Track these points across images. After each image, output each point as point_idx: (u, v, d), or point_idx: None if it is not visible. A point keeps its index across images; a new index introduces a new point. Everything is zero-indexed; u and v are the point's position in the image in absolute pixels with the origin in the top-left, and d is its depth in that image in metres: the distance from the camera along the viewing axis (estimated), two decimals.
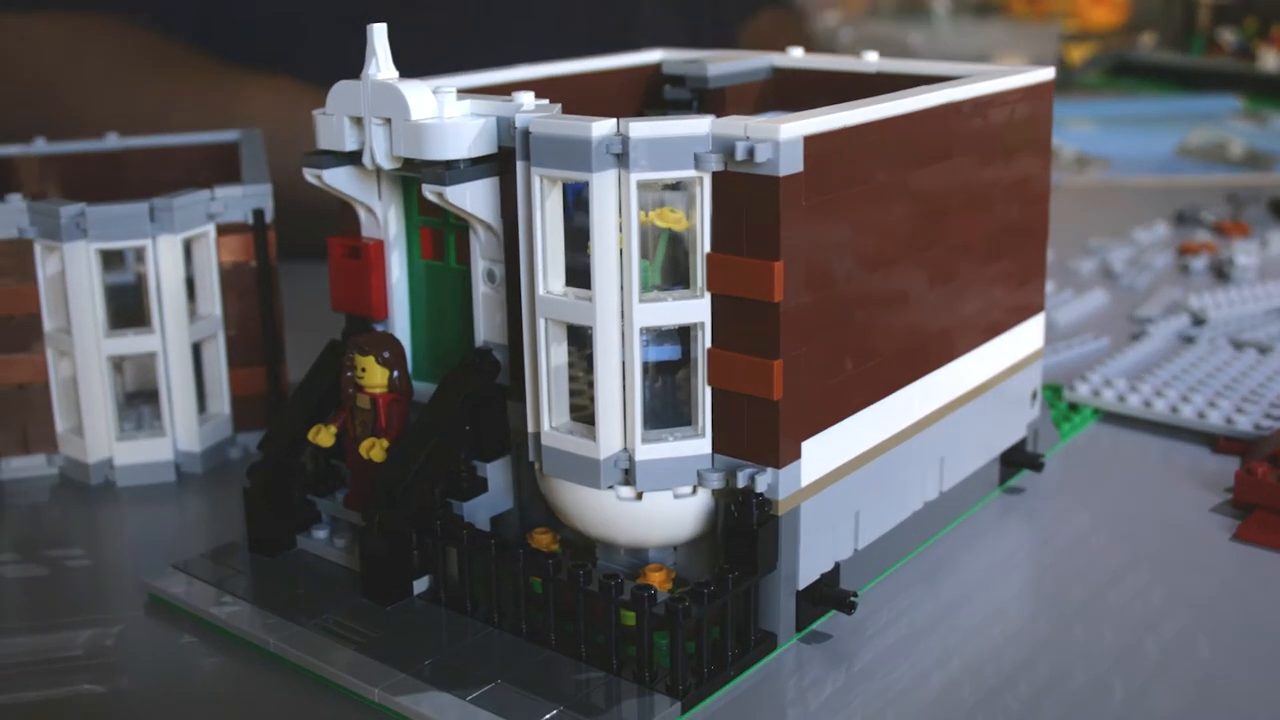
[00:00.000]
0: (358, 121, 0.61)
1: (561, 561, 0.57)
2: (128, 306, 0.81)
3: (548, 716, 0.52)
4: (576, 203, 0.58)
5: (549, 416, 0.58)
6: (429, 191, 0.59)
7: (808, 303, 0.56)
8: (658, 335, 0.57)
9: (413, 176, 0.62)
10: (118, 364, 0.80)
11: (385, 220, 0.65)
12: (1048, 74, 0.70)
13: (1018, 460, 0.74)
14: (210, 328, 0.79)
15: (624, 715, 0.53)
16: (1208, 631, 0.60)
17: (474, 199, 0.59)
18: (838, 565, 0.61)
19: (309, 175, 0.63)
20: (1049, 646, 0.59)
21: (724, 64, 0.76)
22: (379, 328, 0.66)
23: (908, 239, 0.61)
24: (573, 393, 0.59)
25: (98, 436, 0.77)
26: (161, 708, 0.56)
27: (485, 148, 0.59)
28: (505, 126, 0.59)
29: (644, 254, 0.56)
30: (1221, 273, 1.16)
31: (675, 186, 0.56)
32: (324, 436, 0.65)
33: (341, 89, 0.61)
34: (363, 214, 0.65)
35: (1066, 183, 1.54)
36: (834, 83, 0.75)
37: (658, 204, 0.57)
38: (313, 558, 0.66)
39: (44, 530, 0.73)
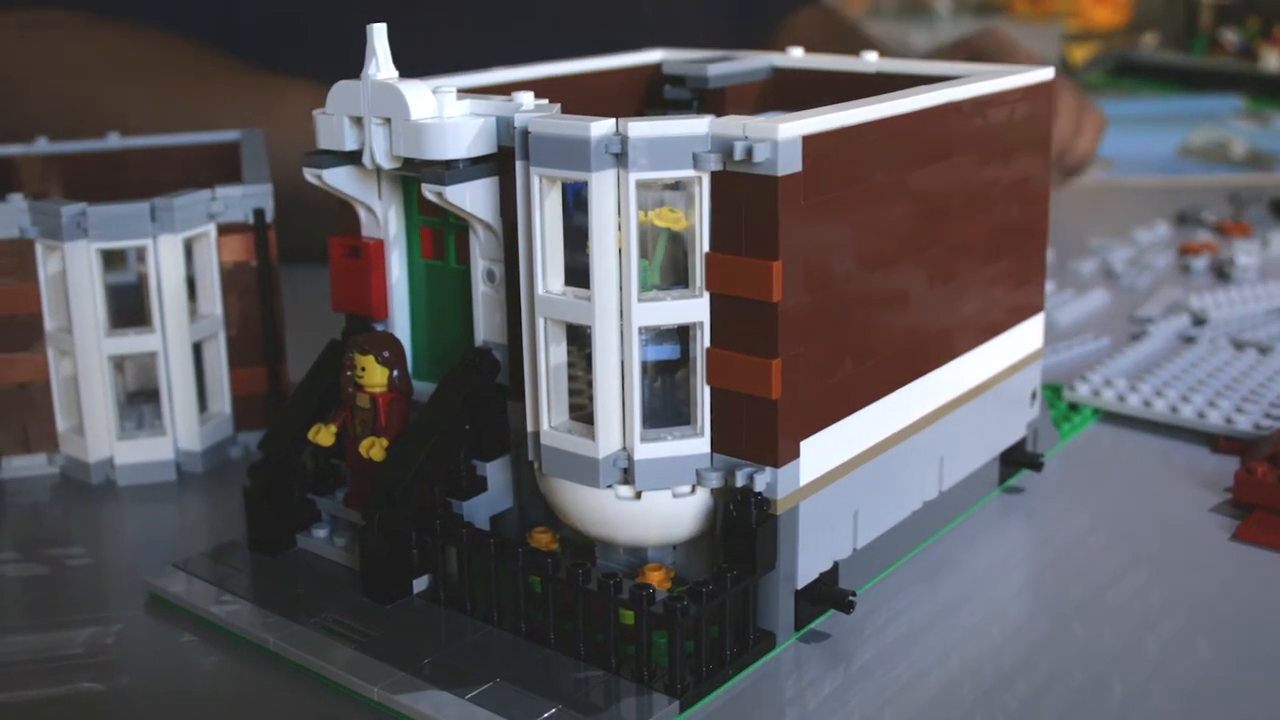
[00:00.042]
0: (358, 121, 0.61)
1: (560, 560, 0.57)
2: (129, 306, 0.81)
3: (547, 715, 0.53)
4: (576, 202, 0.59)
5: (548, 416, 0.58)
6: (428, 191, 0.59)
7: (806, 302, 0.56)
8: (657, 335, 0.57)
9: (412, 176, 0.62)
10: (119, 363, 0.80)
11: (385, 220, 0.65)
12: (1047, 74, 0.70)
13: (1017, 460, 0.74)
14: (211, 327, 0.79)
15: (623, 714, 0.53)
16: (1207, 631, 0.60)
17: (473, 199, 0.59)
18: (836, 565, 0.61)
19: (309, 175, 0.63)
20: (1048, 646, 0.59)
21: (724, 64, 0.76)
22: (379, 327, 0.67)
23: (907, 239, 0.61)
24: (572, 392, 0.59)
25: (99, 436, 0.77)
26: (162, 706, 0.56)
27: (485, 147, 0.59)
28: (505, 126, 0.59)
29: (643, 253, 0.56)
30: (1222, 273, 1.16)
31: (674, 186, 0.56)
32: (324, 436, 0.65)
33: (341, 89, 0.61)
34: (363, 214, 0.66)
35: (1068, 183, 1.54)
36: (834, 83, 0.75)
37: (657, 203, 0.57)
38: (313, 557, 0.66)
39: (45, 529, 0.73)
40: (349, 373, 0.64)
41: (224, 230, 0.78)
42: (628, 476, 0.57)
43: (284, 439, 0.66)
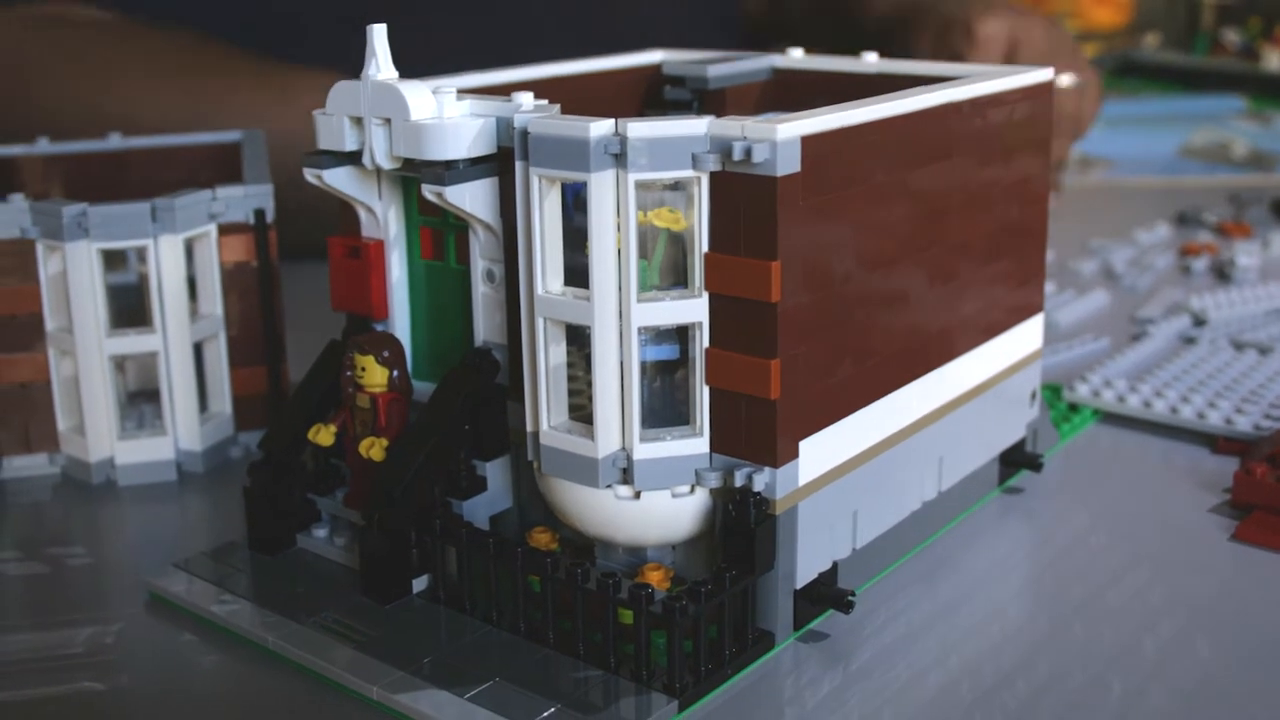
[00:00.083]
0: (358, 122, 0.61)
1: (560, 560, 0.57)
2: (129, 306, 0.81)
3: (546, 714, 0.53)
4: (575, 203, 0.59)
5: (548, 416, 0.58)
6: (428, 191, 0.59)
7: (805, 302, 0.56)
8: (656, 335, 0.57)
9: (412, 176, 0.62)
10: (119, 363, 0.80)
11: (385, 220, 0.65)
12: (1047, 74, 0.70)
13: (1017, 460, 0.74)
14: (211, 327, 0.79)
15: (621, 713, 0.53)
16: (1206, 631, 0.60)
17: (473, 199, 0.59)
18: (835, 564, 0.61)
19: (309, 175, 0.63)
20: (1047, 646, 0.59)
21: (724, 65, 0.76)
22: (379, 327, 0.67)
23: (906, 239, 0.62)
24: (571, 392, 0.59)
25: (99, 435, 0.77)
26: (161, 705, 0.57)
27: (484, 148, 0.59)
28: (504, 127, 0.59)
29: (642, 254, 0.56)
30: (1223, 273, 1.16)
31: (674, 186, 0.56)
32: (324, 436, 0.65)
33: (341, 89, 0.61)
34: (363, 214, 0.66)
35: (1070, 183, 1.54)
36: (834, 83, 0.75)
37: (657, 204, 0.57)
38: (313, 556, 0.66)
39: (45, 529, 0.73)
40: (349, 373, 0.64)
41: (225, 230, 0.78)
42: (627, 476, 0.57)
43: (284, 439, 0.66)
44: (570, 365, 0.59)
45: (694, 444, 0.57)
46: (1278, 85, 2.18)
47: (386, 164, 0.61)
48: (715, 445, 0.57)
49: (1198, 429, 0.81)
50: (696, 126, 0.54)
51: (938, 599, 0.63)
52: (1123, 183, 1.57)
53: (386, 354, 0.64)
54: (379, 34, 0.61)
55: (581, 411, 0.59)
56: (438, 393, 0.62)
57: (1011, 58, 1.27)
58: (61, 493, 0.77)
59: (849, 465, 0.60)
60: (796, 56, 0.78)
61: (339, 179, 0.63)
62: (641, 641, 0.54)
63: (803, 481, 0.57)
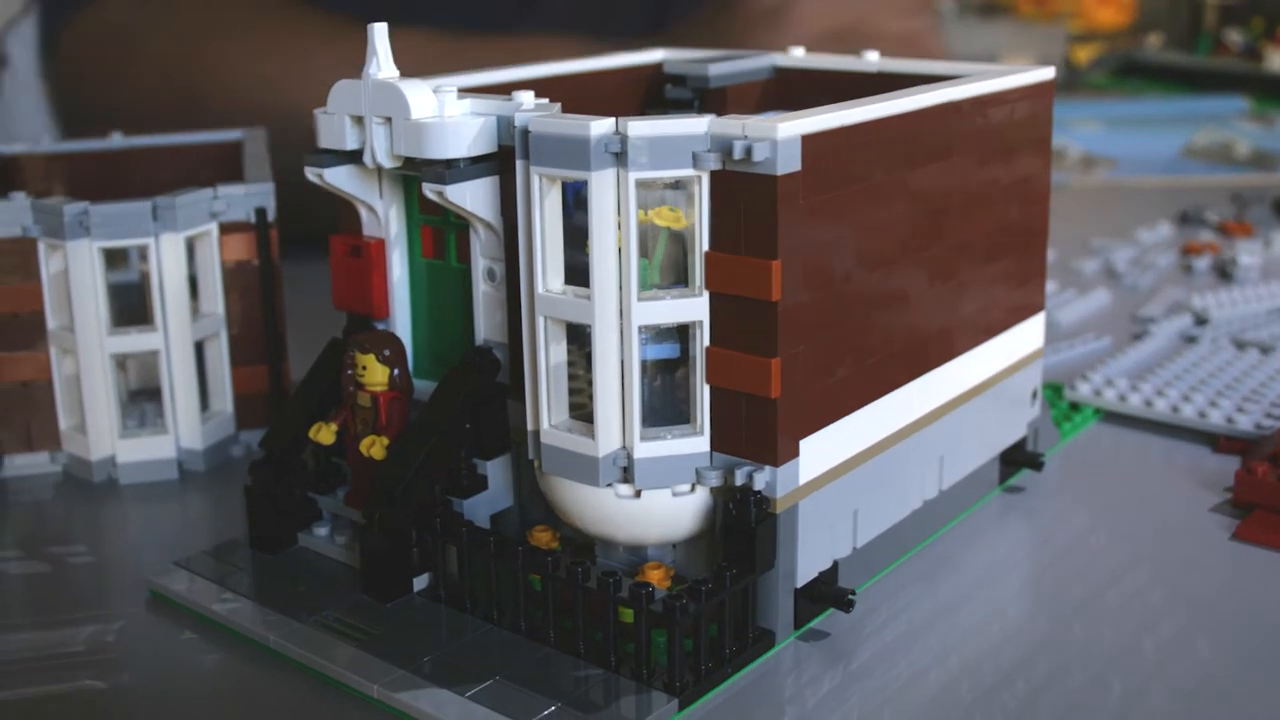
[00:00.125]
0: (359, 120, 0.61)
1: (560, 559, 0.57)
2: (131, 305, 0.81)
3: (546, 713, 0.53)
4: (576, 201, 0.59)
5: (548, 414, 0.58)
6: (429, 190, 0.59)
7: (806, 301, 0.56)
8: (656, 333, 0.57)
9: (413, 175, 0.62)
10: (121, 362, 0.80)
11: (386, 219, 0.65)
12: (1048, 73, 0.70)
13: (1018, 459, 0.74)
14: (213, 326, 0.79)
15: (622, 712, 0.53)
16: (1207, 631, 0.60)
17: (474, 198, 0.59)
18: (836, 563, 0.61)
19: (310, 175, 0.63)
20: (1048, 645, 0.59)
21: (725, 64, 0.76)
22: (380, 326, 0.67)
23: (907, 238, 0.62)
24: (572, 391, 0.59)
25: (101, 434, 0.77)
26: (162, 704, 0.57)
27: (485, 146, 0.59)
28: (505, 125, 0.59)
29: (643, 252, 0.56)
30: (1224, 273, 1.16)
31: (675, 185, 0.56)
32: (325, 434, 0.65)
33: (342, 88, 0.61)
34: (364, 213, 0.66)
35: (1073, 183, 1.54)
36: (836, 82, 0.75)
37: (658, 202, 0.57)
38: (314, 555, 0.66)
39: (47, 527, 0.73)
40: (350, 371, 0.64)
41: (226, 229, 0.78)
42: (627, 475, 0.57)
43: (285, 437, 0.66)
44: (571, 364, 0.59)
45: (694, 443, 0.57)
46: None
47: (387, 163, 0.61)
48: (716, 444, 0.57)
49: (1199, 428, 0.81)
50: (697, 125, 0.54)
51: (938, 598, 0.63)
52: (1125, 182, 1.57)
53: (387, 352, 0.64)
54: (380, 33, 0.61)
55: (582, 410, 0.59)
56: (438, 391, 0.62)
57: None
58: (63, 491, 0.77)
59: (850, 464, 0.60)
60: (798, 55, 0.78)
61: (340, 178, 0.63)
62: (642, 640, 0.54)
63: (803, 480, 0.57)
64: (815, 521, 0.58)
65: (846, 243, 0.58)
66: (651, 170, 0.54)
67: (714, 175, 0.55)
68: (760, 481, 0.56)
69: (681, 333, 0.57)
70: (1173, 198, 1.46)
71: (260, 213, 0.79)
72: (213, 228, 0.78)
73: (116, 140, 0.91)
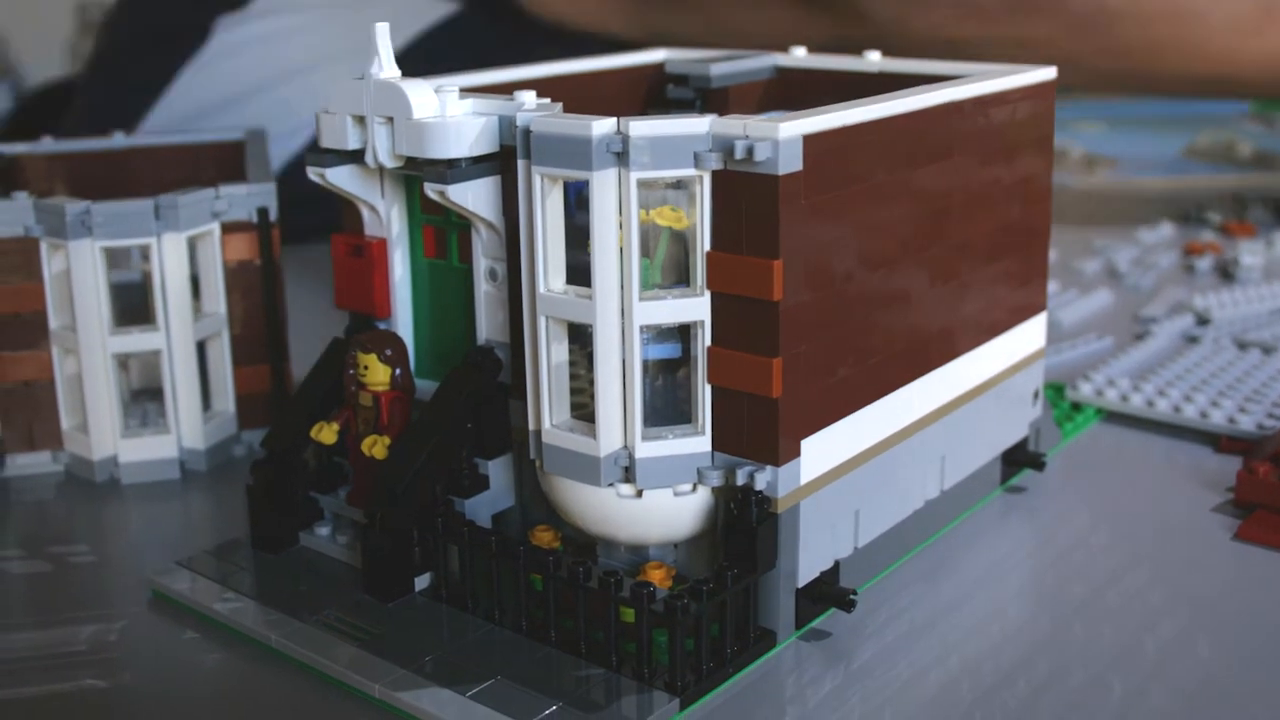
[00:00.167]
0: (361, 120, 0.61)
1: (562, 559, 0.57)
2: (133, 304, 0.81)
3: (547, 712, 0.53)
4: (577, 201, 0.59)
5: (550, 414, 0.58)
6: (431, 190, 0.59)
7: (807, 301, 0.56)
8: (658, 333, 0.57)
9: (415, 175, 0.62)
10: (123, 362, 0.80)
11: (388, 219, 0.65)
12: (1049, 73, 0.70)
13: (1019, 459, 0.74)
14: (215, 325, 0.79)
15: (623, 711, 0.53)
16: (1207, 631, 0.60)
17: (475, 197, 0.60)
18: (837, 563, 0.61)
19: (312, 174, 0.63)
20: (1048, 645, 0.59)
21: (727, 64, 0.76)
22: (382, 325, 0.67)
23: (908, 238, 0.62)
24: (574, 390, 0.59)
25: (103, 434, 0.77)
26: (164, 703, 0.57)
27: (487, 146, 0.59)
28: (507, 125, 0.59)
29: (644, 252, 0.56)
30: (1226, 273, 1.16)
31: (676, 185, 0.56)
32: (327, 434, 0.65)
33: (344, 88, 0.61)
34: (366, 212, 0.66)
35: (1075, 184, 1.54)
36: (837, 82, 0.75)
37: (659, 202, 0.57)
38: (315, 554, 0.66)
39: (49, 526, 0.73)
40: (351, 371, 0.64)
41: (228, 229, 0.79)
42: (629, 475, 0.57)
43: (287, 437, 0.66)
44: (572, 364, 0.59)
45: (696, 442, 0.57)
46: None
47: (389, 162, 0.61)
48: (717, 444, 0.57)
49: (1201, 428, 0.81)
50: (698, 125, 0.54)
51: (939, 598, 0.63)
52: (1127, 183, 1.57)
53: (389, 352, 0.64)
54: (382, 32, 0.61)
55: (583, 410, 0.59)
56: (440, 391, 0.62)
57: None
58: (65, 491, 0.77)
59: (851, 464, 0.60)
60: (800, 55, 0.78)
61: (342, 177, 0.63)
62: (643, 640, 0.54)
63: (804, 480, 0.57)
64: (817, 521, 0.58)
65: (848, 243, 0.58)
66: (653, 170, 0.54)
67: (715, 175, 0.55)
68: (762, 481, 0.56)
69: (683, 332, 0.57)
70: (1175, 198, 1.46)
71: (262, 212, 0.79)
72: (215, 227, 0.78)
73: (118, 140, 0.91)
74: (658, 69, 0.78)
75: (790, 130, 0.53)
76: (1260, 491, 0.70)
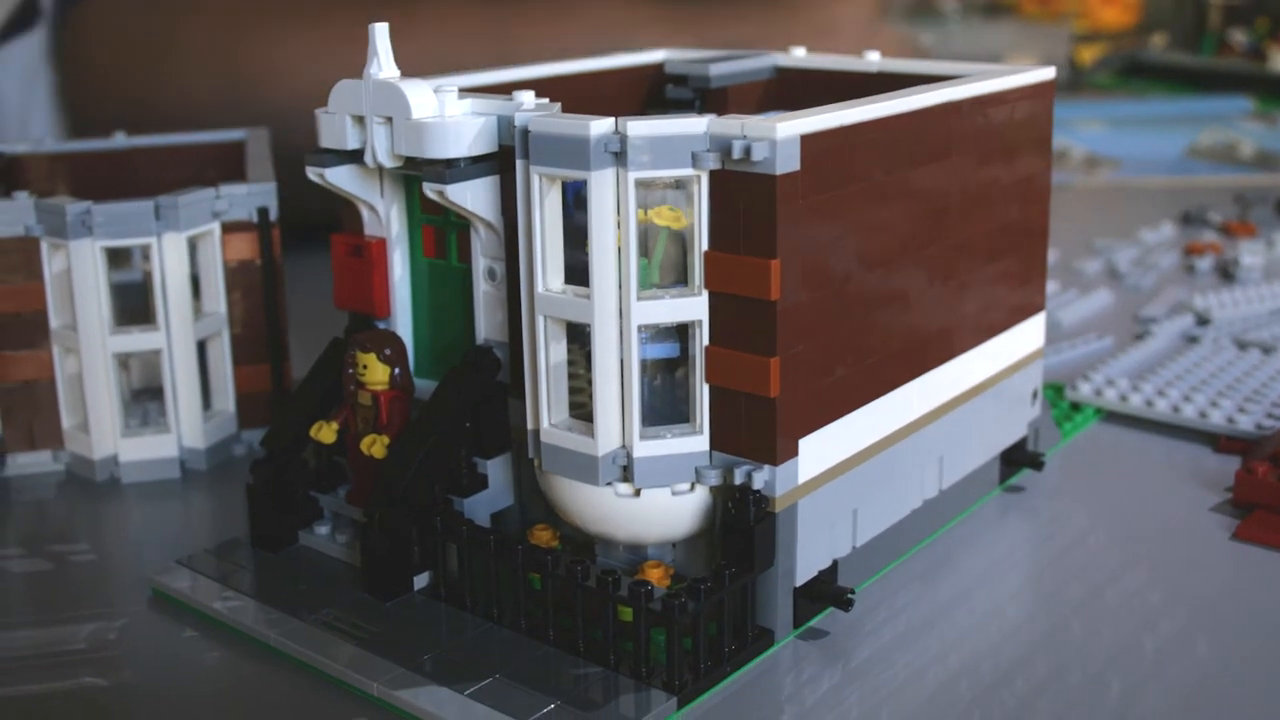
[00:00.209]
0: (359, 120, 0.62)
1: (560, 558, 0.57)
2: (133, 304, 0.82)
3: (545, 711, 0.53)
4: (576, 201, 0.59)
5: (548, 413, 0.58)
6: (430, 190, 0.59)
7: (805, 301, 0.56)
8: (656, 333, 0.57)
9: (414, 175, 0.62)
10: (123, 361, 0.80)
11: (387, 219, 0.65)
12: (1048, 73, 0.70)
13: (1018, 459, 0.74)
14: (215, 325, 0.79)
15: (621, 710, 0.53)
16: (1206, 631, 0.60)
17: (474, 197, 0.60)
18: (835, 562, 0.61)
19: (311, 174, 0.63)
20: (1047, 645, 0.59)
21: (726, 64, 0.76)
22: (381, 325, 0.67)
23: (907, 238, 0.62)
24: (572, 390, 0.59)
25: (103, 433, 0.77)
26: (164, 701, 0.57)
27: (486, 146, 0.59)
28: (505, 125, 0.59)
29: (642, 252, 0.56)
30: (1227, 273, 1.16)
31: (675, 185, 0.56)
32: (326, 433, 0.65)
33: (343, 88, 0.61)
34: (365, 212, 0.66)
35: (1076, 183, 1.54)
36: (837, 82, 0.75)
37: (658, 202, 0.57)
38: (315, 553, 0.66)
39: (49, 525, 0.73)
40: (351, 370, 0.64)
41: (228, 228, 0.79)
42: (627, 474, 0.57)
43: (286, 436, 0.66)
44: (571, 363, 0.59)
45: (694, 442, 0.57)
46: None
47: (388, 162, 0.61)
48: (715, 443, 0.57)
49: (1200, 428, 0.81)
50: (696, 125, 0.54)
51: (938, 597, 0.63)
52: (1129, 183, 1.57)
53: (388, 352, 0.64)
54: (380, 32, 0.61)
55: (582, 409, 0.59)
56: (439, 390, 0.63)
57: None
58: (65, 490, 0.77)
59: (849, 463, 0.60)
60: (799, 55, 0.78)
61: (341, 177, 0.63)
62: (641, 639, 0.54)
63: (802, 479, 0.58)
64: (814, 520, 0.59)
65: (846, 242, 0.58)
66: (651, 170, 0.54)
67: (713, 175, 0.55)
68: (759, 480, 0.56)
69: (681, 332, 0.57)
70: (1176, 198, 1.46)
71: (263, 212, 0.79)
72: (215, 227, 0.78)
73: (119, 140, 0.91)
74: (657, 69, 0.79)
75: (788, 130, 0.53)
76: (1259, 491, 0.70)
